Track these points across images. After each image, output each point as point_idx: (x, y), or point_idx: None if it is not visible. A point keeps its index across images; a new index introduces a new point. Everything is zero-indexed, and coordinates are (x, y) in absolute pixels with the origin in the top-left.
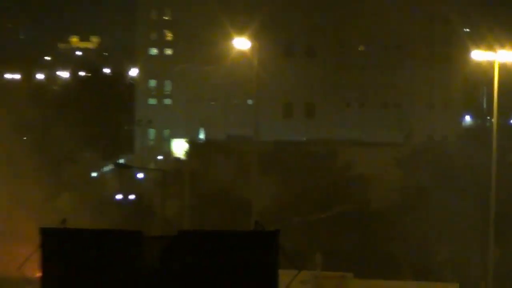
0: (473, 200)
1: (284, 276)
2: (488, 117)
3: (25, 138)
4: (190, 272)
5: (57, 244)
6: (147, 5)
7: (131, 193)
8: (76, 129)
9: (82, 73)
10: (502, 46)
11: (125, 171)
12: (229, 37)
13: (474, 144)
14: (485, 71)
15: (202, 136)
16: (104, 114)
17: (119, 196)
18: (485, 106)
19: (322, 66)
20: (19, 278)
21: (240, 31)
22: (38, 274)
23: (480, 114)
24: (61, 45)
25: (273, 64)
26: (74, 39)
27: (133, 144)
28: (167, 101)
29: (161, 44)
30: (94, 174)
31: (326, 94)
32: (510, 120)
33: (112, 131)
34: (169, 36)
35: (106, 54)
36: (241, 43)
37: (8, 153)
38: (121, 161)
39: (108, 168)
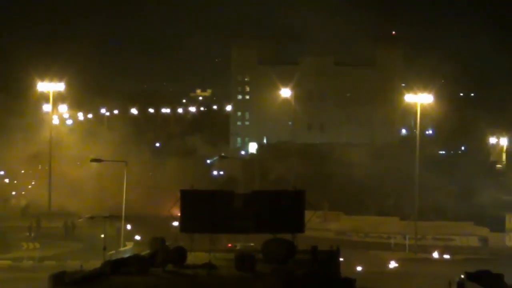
0: (406, 172)
1: (308, 214)
2: (414, 130)
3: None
4: (259, 212)
5: (189, 198)
6: (236, 72)
7: (224, 171)
8: (199, 137)
9: (202, 109)
10: (422, 92)
11: (225, 160)
12: (278, 88)
13: (406, 145)
14: (412, 105)
15: (265, 141)
16: (214, 130)
17: (215, 172)
18: (413, 123)
19: (328, 103)
20: (169, 216)
21: (285, 85)
22: (179, 214)
23: (410, 128)
24: (191, 94)
25: (302, 103)
26: (198, 90)
27: (229, 145)
28: (247, 123)
29: (244, 93)
30: (208, 161)
31: (330, 118)
32: (425, 132)
33: (217, 138)
34: (247, 89)
35: (215, 98)
36: (285, 92)
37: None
38: (223, 154)
39: (216, 158)
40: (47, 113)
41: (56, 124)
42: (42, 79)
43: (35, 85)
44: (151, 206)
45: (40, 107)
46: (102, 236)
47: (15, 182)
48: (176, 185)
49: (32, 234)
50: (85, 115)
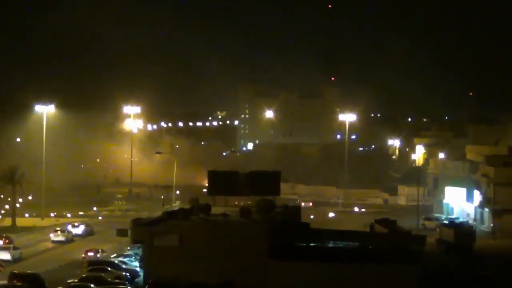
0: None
1: (284, 185)
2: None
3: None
4: (253, 183)
5: (212, 175)
6: (242, 101)
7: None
8: (219, 139)
9: (221, 123)
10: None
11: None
12: (265, 111)
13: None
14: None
15: (257, 142)
16: (228, 136)
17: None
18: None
19: (295, 121)
20: (201, 185)
21: (269, 108)
22: (207, 184)
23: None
24: (214, 114)
25: (279, 119)
26: (218, 112)
27: (236, 144)
28: (247, 131)
29: (245, 114)
30: (224, 153)
31: (295, 128)
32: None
33: (230, 140)
34: (247, 111)
35: (228, 117)
36: (269, 113)
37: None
38: (233, 149)
39: (229, 151)
40: (129, 126)
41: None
42: (126, 103)
43: (120, 107)
44: (191, 179)
45: (123, 122)
46: (162, 197)
47: (105, 165)
48: (206, 168)
49: (119, 196)
50: (151, 126)
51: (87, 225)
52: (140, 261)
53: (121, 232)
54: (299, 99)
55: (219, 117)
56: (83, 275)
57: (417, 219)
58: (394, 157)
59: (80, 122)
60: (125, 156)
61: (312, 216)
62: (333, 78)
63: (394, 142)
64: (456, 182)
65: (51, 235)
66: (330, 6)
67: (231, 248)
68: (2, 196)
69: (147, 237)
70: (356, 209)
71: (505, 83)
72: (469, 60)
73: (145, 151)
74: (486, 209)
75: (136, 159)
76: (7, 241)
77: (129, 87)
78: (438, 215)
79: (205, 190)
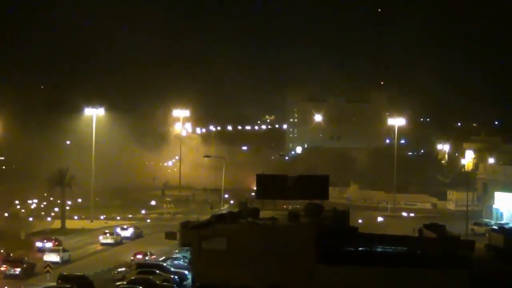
0: None
1: (332, 189)
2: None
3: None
4: (301, 187)
5: (261, 179)
6: (289, 105)
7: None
8: (268, 143)
9: (269, 127)
10: (398, 117)
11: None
12: (313, 115)
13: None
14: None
15: (305, 146)
16: (276, 139)
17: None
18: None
19: (344, 124)
20: (249, 189)
21: (318, 113)
22: (255, 187)
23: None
24: (263, 117)
25: (327, 124)
26: (266, 116)
27: (284, 148)
28: (295, 135)
29: (293, 117)
30: (272, 157)
31: (344, 132)
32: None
33: (278, 144)
34: (296, 115)
35: (270, 119)
36: (318, 117)
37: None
38: (281, 153)
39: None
40: (178, 129)
41: (183, 136)
42: (175, 107)
43: (169, 111)
44: (239, 183)
45: (173, 126)
46: (210, 200)
47: (151, 168)
48: (255, 171)
49: (168, 199)
50: (200, 130)
51: (136, 227)
52: (189, 264)
53: (170, 235)
54: (348, 103)
55: (268, 121)
56: (132, 278)
57: (466, 224)
58: (443, 161)
59: (128, 124)
60: (174, 159)
61: (360, 221)
62: (382, 82)
63: (443, 147)
64: (506, 187)
65: (100, 237)
66: (379, 10)
67: (279, 252)
68: (52, 198)
69: (195, 240)
70: (405, 213)
71: None
72: None
73: (193, 154)
74: None
75: (184, 162)
76: (56, 243)
77: (178, 90)
78: (487, 220)
79: (253, 193)
